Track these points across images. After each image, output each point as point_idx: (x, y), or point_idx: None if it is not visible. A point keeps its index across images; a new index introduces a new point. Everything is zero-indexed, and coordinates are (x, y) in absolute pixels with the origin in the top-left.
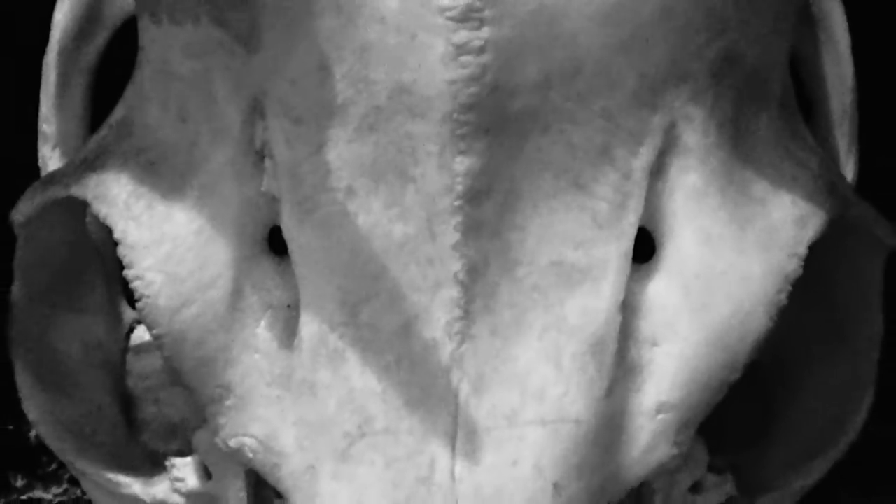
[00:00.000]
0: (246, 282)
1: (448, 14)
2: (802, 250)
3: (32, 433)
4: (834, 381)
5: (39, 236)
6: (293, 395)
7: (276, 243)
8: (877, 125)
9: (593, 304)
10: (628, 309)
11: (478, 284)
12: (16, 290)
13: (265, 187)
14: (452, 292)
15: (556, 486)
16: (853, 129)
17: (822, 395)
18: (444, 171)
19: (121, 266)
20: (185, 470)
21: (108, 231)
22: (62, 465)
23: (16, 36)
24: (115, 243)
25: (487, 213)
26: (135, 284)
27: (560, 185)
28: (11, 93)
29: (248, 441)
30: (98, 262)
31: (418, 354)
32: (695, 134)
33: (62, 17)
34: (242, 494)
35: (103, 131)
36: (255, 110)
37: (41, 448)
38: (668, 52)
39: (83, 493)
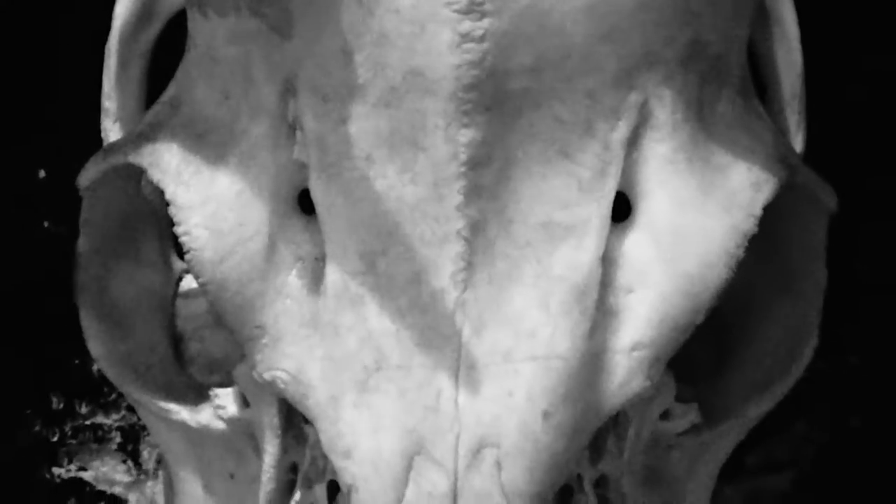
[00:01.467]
0: (279, 237)
1: (453, 7)
2: (758, 211)
3: (95, 367)
4: (783, 324)
5: (101, 198)
6: (319, 335)
7: (305, 204)
8: (822, 105)
9: (577, 257)
10: (607, 261)
11: (478, 240)
12: (80, 244)
13: (296, 155)
14: (457, 247)
15: (545, 413)
16: (801, 107)
17: (772, 336)
18: (450, 142)
19: (171, 223)
20: (226, 399)
21: (161, 193)
22: (120, 395)
23: (82, 27)
24: (167, 204)
25: (486, 178)
26: (183, 239)
27: (549, 155)
28: (80, 75)
29: (280, 374)
30: (152, 220)
31: (427, 300)
32: (665, 111)
33: (122, 9)
34: (275, 420)
35: (157, 108)
36: (288, 89)
37: (103, 380)
38: (642, 41)
39: (138, 419)
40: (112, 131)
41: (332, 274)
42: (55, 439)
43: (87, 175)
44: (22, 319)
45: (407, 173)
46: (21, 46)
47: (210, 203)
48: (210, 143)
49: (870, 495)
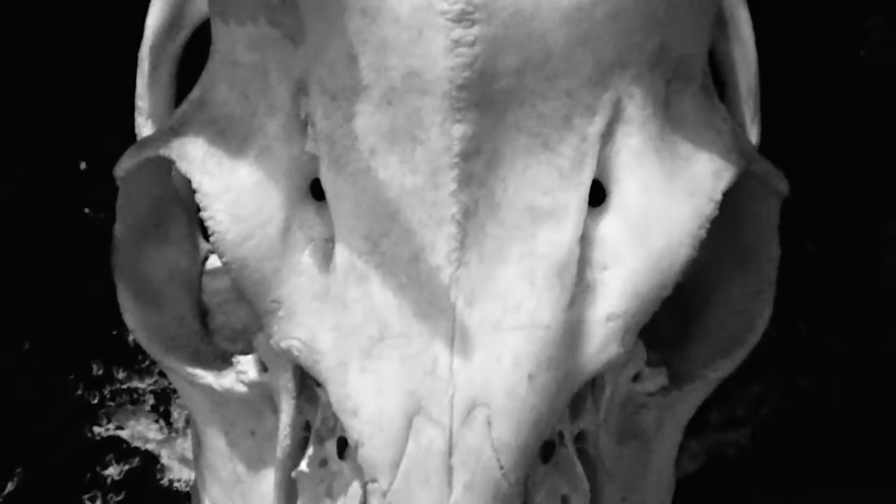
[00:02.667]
0: (293, 221)
1: (447, 16)
2: (718, 196)
3: (130, 338)
4: (741, 296)
5: (135, 187)
6: (329, 308)
7: (316, 191)
8: (775, 102)
9: (558, 237)
10: (585, 241)
11: (470, 223)
12: (117, 228)
13: (308, 148)
14: (451, 229)
15: (530, 376)
16: (756, 104)
17: (731, 307)
18: (444, 136)
19: (198, 209)
20: (247, 365)
21: (188, 182)
22: (153, 362)
23: (117, 36)
24: (194, 192)
25: (477, 168)
26: (208, 223)
27: (532, 147)
28: (117, 78)
29: (294, 343)
30: (180, 206)
31: (425, 276)
32: (636, 107)
33: (153, 20)
34: (291, 384)
35: (184, 107)
36: (300, 90)
37: (137, 349)
38: (615, 45)
39: (169, 383)
40: (145, 127)
41: (341, 253)
42: (95, 402)
43: (123, 166)
44: (66, 296)
45: (406, 164)
46: (66, 55)
47: (231, 191)
48: (231, 137)
49: (816, 446)
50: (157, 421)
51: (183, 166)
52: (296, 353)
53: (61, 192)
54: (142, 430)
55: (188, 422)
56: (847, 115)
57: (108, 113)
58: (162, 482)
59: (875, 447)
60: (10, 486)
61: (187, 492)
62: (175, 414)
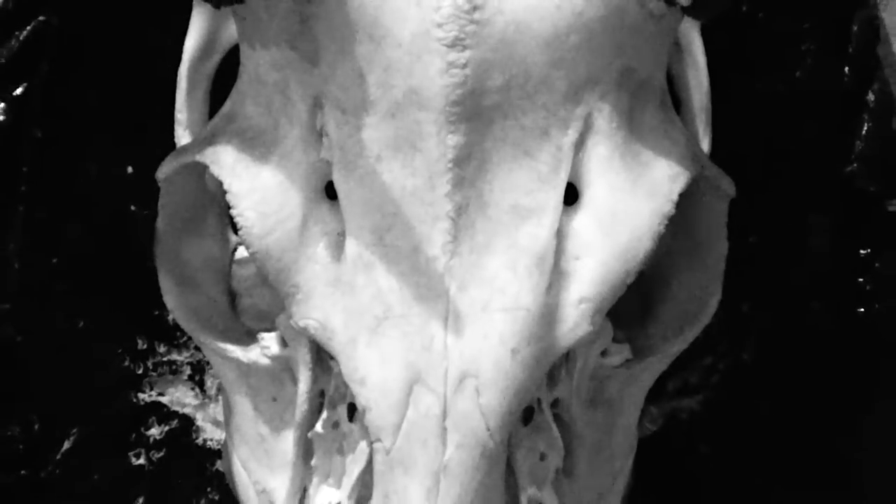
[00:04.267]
0: (310, 217)
1: (443, 42)
2: (675, 197)
3: (170, 317)
4: (693, 282)
5: (175, 187)
6: (340, 292)
7: (329, 192)
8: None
9: (538, 232)
10: (560, 235)
11: (462, 219)
12: (159, 222)
13: (322, 155)
14: (445, 224)
15: (513, 351)
16: (708, 118)
17: (685, 292)
18: (440, 145)
19: (228, 207)
20: (270, 341)
21: (220, 184)
22: (189, 338)
23: (160, 57)
24: (224, 192)
25: (468, 172)
26: (237, 219)
27: (516, 154)
28: (159, 94)
29: (310, 322)
30: (213, 204)
31: (423, 265)
32: (604, 120)
33: (190, 44)
34: (307, 357)
35: (216, 119)
36: (316, 105)
37: (176, 327)
38: (586, 67)
39: (204, 356)
40: (183, 137)
41: (350, 245)
42: (140, 372)
43: (164, 170)
44: (115, 281)
45: (407, 168)
46: (115, 77)
47: (257, 191)
48: (257, 146)
49: (757, 408)
50: (192, 389)
51: (215, 170)
52: (312, 331)
53: (112, 192)
54: (180, 397)
55: (219, 389)
56: (783, 125)
57: (152, 125)
58: (197, 441)
59: (805, 404)
60: (66, 444)
61: (218, 450)
62: (208, 382)
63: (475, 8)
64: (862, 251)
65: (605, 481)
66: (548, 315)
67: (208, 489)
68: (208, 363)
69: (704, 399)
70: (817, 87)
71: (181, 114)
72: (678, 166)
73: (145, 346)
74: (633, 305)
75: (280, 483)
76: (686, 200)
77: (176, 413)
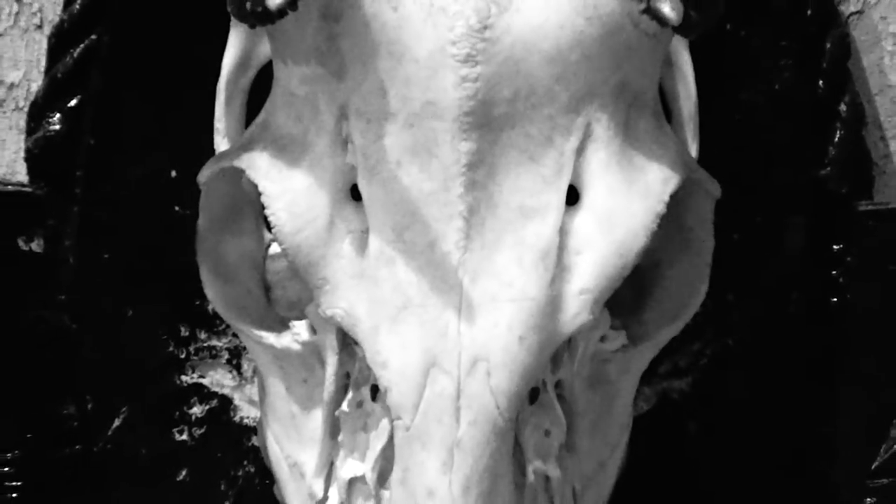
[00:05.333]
0: (336, 217)
1: (456, 58)
2: (667, 198)
3: (210, 306)
4: (684, 275)
5: (214, 190)
6: (364, 284)
7: (354, 194)
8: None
9: (542, 230)
10: (563, 232)
11: (473, 218)
12: (200, 222)
13: (348, 160)
14: (458, 223)
15: (520, 337)
16: (696, 127)
17: (676, 282)
18: (454, 151)
19: (262, 207)
20: (300, 328)
21: (255, 187)
22: (228, 326)
23: (202, 71)
24: (259, 194)
25: (479, 176)
26: (270, 218)
27: (522, 159)
28: (200, 105)
29: (337, 311)
30: (249, 205)
31: (438, 260)
32: (602, 129)
33: (228, 60)
34: (334, 343)
35: (252, 128)
36: (342, 115)
37: (215, 315)
38: (586, 81)
39: (240, 342)
40: (221, 144)
41: (373, 242)
42: (183, 357)
43: (204, 174)
44: (160, 274)
45: (424, 173)
46: (161, 89)
47: (288, 193)
48: (288, 152)
49: (741, 391)
50: (230, 371)
51: (251, 174)
52: (338, 319)
53: (157, 194)
54: (219, 379)
55: (255, 372)
56: (763, 133)
57: (194, 133)
58: (234, 419)
59: (783, 385)
60: (117, 422)
61: (254, 427)
62: (245, 366)
63: (485, 28)
64: (835, 246)
65: (604, 455)
66: (551, 305)
67: (245, 462)
68: (244, 348)
69: (693, 381)
70: (794, 98)
71: (220, 123)
72: (669, 170)
73: (188, 333)
74: (628, 296)
75: (309, 457)
76: (676, 201)
77: (215, 393)
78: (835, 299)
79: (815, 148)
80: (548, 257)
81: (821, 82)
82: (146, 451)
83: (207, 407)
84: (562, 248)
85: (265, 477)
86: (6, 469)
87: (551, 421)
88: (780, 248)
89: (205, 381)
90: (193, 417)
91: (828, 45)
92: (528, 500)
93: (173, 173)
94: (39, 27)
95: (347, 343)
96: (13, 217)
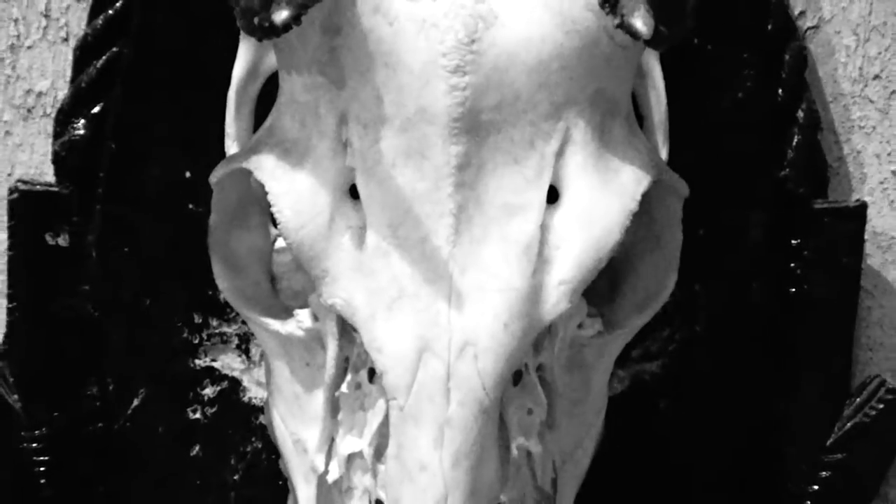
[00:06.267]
0: (336, 214)
1: (447, 69)
2: (639, 197)
3: (221, 296)
4: (654, 267)
5: (225, 189)
6: (362, 275)
7: (353, 193)
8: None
9: (525, 226)
10: (544, 228)
11: (462, 215)
12: (212, 218)
13: (347, 163)
14: (449, 220)
15: (505, 324)
16: (666, 132)
17: (647, 274)
18: (444, 154)
19: (269, 205)
20: (303, 316)
21: (262, 186)
22: (237, 314)
23: (214, 83)
24: (266, 193)
25: (468, 176)
26: (276, 215)
27: (507, 161)
28: (213, 112)
29: (337, 300)
30: (256, 203)
31: (430, 253)
32: (580, 134)
33: (237, 71)
34: (335, 329)
35: (259, 133)
36: (342, 121)
37: (226, 304)
38: (565, 89)
39: (249, 329)
40: (231, 147)
41: (370, 237)
42: (196, 342)
43: (216, 175)
44: (175, 267)
45: (417, 173)
46: (176, 97)
47: (292, 192)
48: (293, 154)
49: (707, 372)
50: (240, 356)
51: (258, 175)
52: (338, 308)
53: (172, 194)
54: (229, 362)
55: (262, 356)
56: (727, 137)
57: (206, 137)
58: (244, 399)
59: (745, 367)
60: (136, 402)
61: (261, 406)
62: (253, 350)
63: (473, 41)
64: (793, 241)
65: (582, 431)
66: (533, 295)
67: (253, 439)
68: (253, 335)
69: (663, 364)
70: (756, 106)
71: (230, 128)
72: (641, 171)
73: (201, 321)
74: (604, 286)
75: (312, 434)
76: (648, 199)
77: (226, 376)
78: (793, 289)
79: (775, 151)
80: (530, 251)
81: (780, 91)
82: (163, 428)
83: (219, 388)
84: (543, 242)
85: (271, 452)
86: (36, 445)
87: (533, 401)
88: (743, 243)
89: (216, 365)
90: (206, 398)
91: (787, 57)
92: (513, 473)
93: (187, 174)
94: (65, 40)
95: (346, 330)
96: (41, 214)
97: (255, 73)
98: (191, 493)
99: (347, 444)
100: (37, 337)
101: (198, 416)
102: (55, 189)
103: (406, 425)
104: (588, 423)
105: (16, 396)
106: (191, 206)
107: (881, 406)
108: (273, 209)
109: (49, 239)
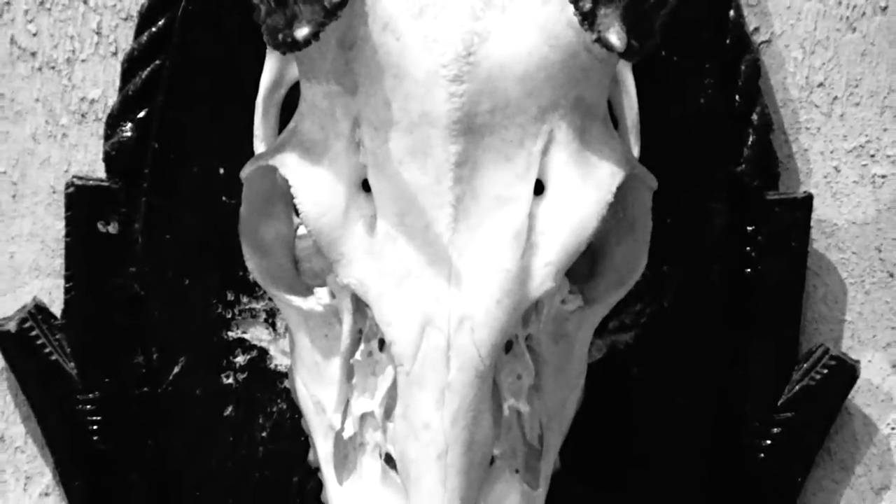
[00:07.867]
0: (351, 205)
1: (446, 78)
2: (614, 189)
3: (251, 276)
4: (627, 251)
5: (254, 183)
6: (373, 258)
7: (365, 187)
8: (648, 131)
9: (515, 215)
10: (531, 217)
11: (460, 205)
12: (242, 209)
13: (361, 160)
14: (448, 210)
15: (497, 301)
16: (637, 133)
17: (622, 257)
18: (445, 152)
19: (292, 197)
20: (322, 294)
21: (286, 181)
22: (265, 292)
23: (244, 91)
24: (290, 187)
25: (465, 172)
26: (298, 206)
27: (499, 159)
28: (242, 116)
29: (352, 280)
30: (281, 195)
31: (432, 239)
32: (563, 134)
33: (265, 81)
34: (349, 305)
35: (284, 134)
36: (356, 124)
37: (255, 284)
38: (549, 95)
39: (275, 305)
40: (259, 147)
41: (380, 225)
42: (229, 316)
43: (246, 171)
44: (211, 251)
45: (421, 170)
46: (212, 104)
47: (313, 186)
48: (313, 153)
49: (673, 343)
50: (267, 328)
51: (283, 171)
52: (353, 287)
53: (207, 187)
54: (258, 334)
55: (286, 329)
56: (691, 138)
57: (237, 138)
58: (270, 366)
59: (707, 339)
60: (176, 369)
61: (286, 372)
62: (278, 324)
63: (470, 54)
64: (748, 228)
65: (565, 394)
66: (522, 275)
67: (278, 401)
68: (278, 310)
69: (636, 335)
70: (715, 110)
71: (258, 130)
72: (616, 167)
73: (233, 298)
74: (584, 267)
75: (329, 396)
76: (622, 192)
77: (255, 346)
78: (748, 270)
79: (733, 149)
80: (519, 237)
81: (737, 97)
82: (200, 392)
83: (249, 357)
84: (530, 229)
85: (295, 412)
86: (90, 407)
87: (523, 367)
88: (705, 230)
89: (246, 336)
90: (237, 365)
91: (742, 68)
92: (504, 430)
93: (221, 171)
94: (115, 54)
95: (360, 306)
96: (94, 206)
97: (279, 82)
98: (224, 448)
99: (360, 404)
100: (90, 312)
101: (230, 381)
102: (106, 184)
103: (412, 389)
104: (571, 386)
105: (72, 364)
106: (224, 198)
107: (825, 371)
108: (295, 201)
109: (101, 227)
